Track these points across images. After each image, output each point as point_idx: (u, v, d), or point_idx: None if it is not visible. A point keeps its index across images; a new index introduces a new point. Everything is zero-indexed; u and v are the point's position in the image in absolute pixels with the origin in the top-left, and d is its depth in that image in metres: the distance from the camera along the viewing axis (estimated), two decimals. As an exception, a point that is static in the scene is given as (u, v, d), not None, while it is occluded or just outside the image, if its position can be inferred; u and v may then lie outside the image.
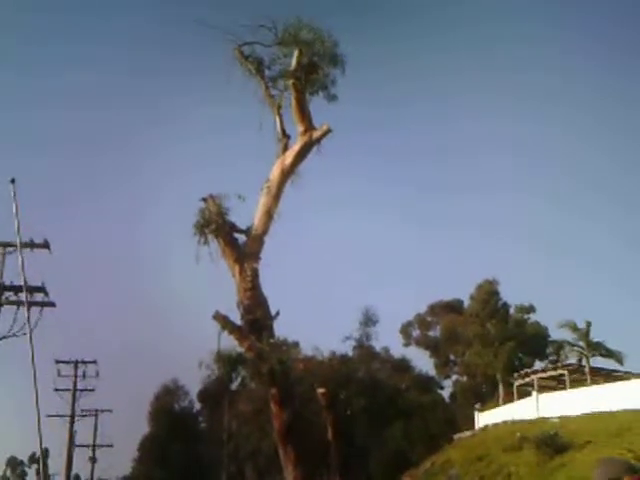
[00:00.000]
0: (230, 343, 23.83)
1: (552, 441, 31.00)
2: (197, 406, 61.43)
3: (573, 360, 48.41)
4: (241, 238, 21.81)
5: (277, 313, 21.03)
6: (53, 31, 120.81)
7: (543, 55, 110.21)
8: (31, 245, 20.07)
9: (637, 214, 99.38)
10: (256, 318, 20.51)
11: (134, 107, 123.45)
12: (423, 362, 61.17)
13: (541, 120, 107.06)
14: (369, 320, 50.45)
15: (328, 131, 22.04)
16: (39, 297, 21.12)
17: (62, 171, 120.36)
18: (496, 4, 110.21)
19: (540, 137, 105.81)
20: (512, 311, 58.35)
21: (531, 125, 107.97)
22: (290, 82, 21.83)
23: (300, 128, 22.10)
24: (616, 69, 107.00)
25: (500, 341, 54.50)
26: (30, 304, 19.59)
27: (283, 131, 22.51)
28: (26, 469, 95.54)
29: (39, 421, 16.81)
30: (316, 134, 22.00)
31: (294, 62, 21.82)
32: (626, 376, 42.15)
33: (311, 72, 21.87)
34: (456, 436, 46.50)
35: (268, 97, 22.55)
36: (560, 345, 53.17)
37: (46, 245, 20.62)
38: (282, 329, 21.37)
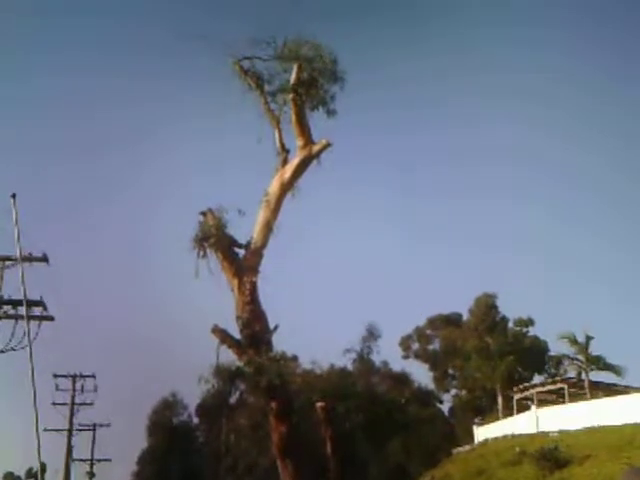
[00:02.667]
0: (229, 357, 23.84)
1: (552, 455, 30.82)
2: (195, 420, 61.19)
3: (572, 374, 48.30)
4: (240, 252, 21.89)
5: (275, 327, 21.07)
6: (50, 37, 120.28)
7: (543, 60, 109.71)
8: (30, 259, 20.04)
9: (638, 225, 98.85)
10: (255, 332, 20.56)
11: (132, 119, 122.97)
12: (422, 376, 61.00)
13: (540, 127, 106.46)
14: (373, 335, 50.54)
15: (327, 145, 22.12)
16: (38, 311, 21.04)
17: (59, 183, 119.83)
18: (495, 7, 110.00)
19: (540, 145, 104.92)
20: (511, 324, 58.27)
21: (530, 132, 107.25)
22: (290, 97, 21.94)
23: (299, 142, 22.18)
24: (617, 74, 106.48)
25: (499, 355, 54.36)
26: (29, 318, 19.54)
27: (282, 145, 22.60)
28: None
29: (38, 435, 16.73)
30: (315, 148, 22.08)
31: (294, 77, 21.94)
32: (626, 390, 41.99)
33: (311, 87, 22.00)
34: (455, 450, 46.27)
35: (267, 111, 22.66)
36: (559, 359, 53.08)
37: (45, 259, 20.60)
38: (281, 343, 21.39)
